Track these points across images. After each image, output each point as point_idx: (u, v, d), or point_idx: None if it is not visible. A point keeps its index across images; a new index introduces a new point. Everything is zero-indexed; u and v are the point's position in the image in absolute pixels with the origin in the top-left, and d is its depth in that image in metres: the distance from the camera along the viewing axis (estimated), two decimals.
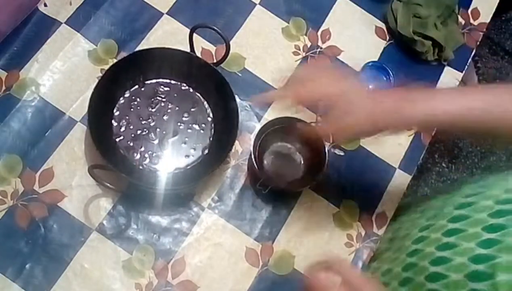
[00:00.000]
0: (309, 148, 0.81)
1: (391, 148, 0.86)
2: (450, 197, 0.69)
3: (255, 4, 0.91)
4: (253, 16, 0.90)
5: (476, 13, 1.00)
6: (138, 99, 0.81)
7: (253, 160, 0.75)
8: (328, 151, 0.77)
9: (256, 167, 0.75)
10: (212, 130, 0.82)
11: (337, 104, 0.60)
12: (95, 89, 0.75)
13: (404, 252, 0.68)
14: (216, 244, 0.77)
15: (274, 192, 0.78)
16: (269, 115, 0.85)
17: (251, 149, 0.76)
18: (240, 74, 0.86)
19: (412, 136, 0.88)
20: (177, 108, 0.81)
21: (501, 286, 0.50)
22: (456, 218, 0.62)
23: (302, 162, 0.82)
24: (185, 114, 0.81)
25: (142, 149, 0.78)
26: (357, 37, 0.93)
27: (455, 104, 0.61)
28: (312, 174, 0.78)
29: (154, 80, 0.82)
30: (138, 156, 0.78)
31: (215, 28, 0.75)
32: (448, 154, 1.83)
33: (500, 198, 0.59)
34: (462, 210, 0.63)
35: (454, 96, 0.62)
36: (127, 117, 0.79)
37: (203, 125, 0.82)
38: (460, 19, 0.98)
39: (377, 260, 0.78)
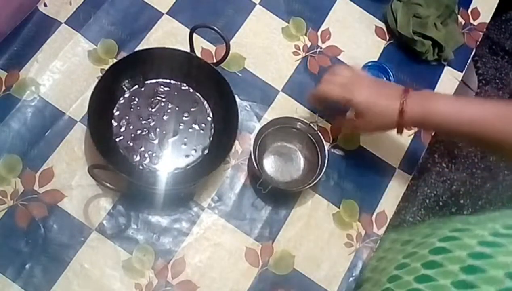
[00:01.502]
0: (309, 147, 0.81)
1: (391, 148, 0.86)
2: (430, 234, 0.67)
3: (255, 4, 0.91)
4: (253, 16, 0.90)
5: (476, 13, 1.00)
6: (138, 99, 0.81)
7: (253, 160, 0.75)
8: (328, 150, 0.77)
9: (256, 167, 0.75)
10: (212, 130, 0.82)
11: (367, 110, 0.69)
12: (95, 89, 0.75)
13: (379, 289, 0.66)
14: (216, 244, 0.77)
15: (274, 192, 0.78)
16: (269, 115, 0.85)
17: (251, 148, 0.76)
18: (240, 74, 0.86)
19: (412, 137, 0.88)
20: (177, 108, 0.81)
21: None
22: (430, 264, 0.59)
23: (303, 162, 0.82)
24: (185, 114, 0.81)
25: (142, 149, 0.78)
26: (357, 37, 0.93)
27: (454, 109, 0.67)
28: (312, 173, 0.78)
29: (154, 80, 0.82)
30: (138, 156, 0.78)
31: (215, 28, 0.75)
32: (448, 154, 1.83)
33: (472, 251, 0.56)
34: (436, 256, 0.60)
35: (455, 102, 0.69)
36: (127, 117, 0.79)
37: (203, 125, 0.82)
38: (460, 19, 0.98)
39: (360, 289, 0.76)
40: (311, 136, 0.80)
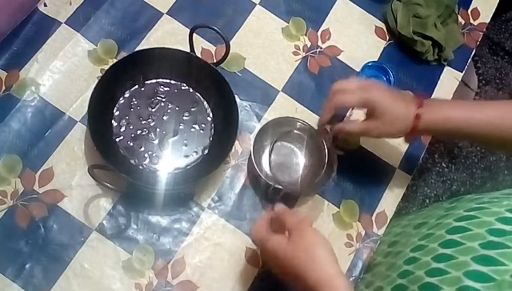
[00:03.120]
0: (310, 148, 0.81)
1: (391, 148, 0.86)
2: (444, 215, 0.69)
3: (255, 4, 0.91)
4: (253, 16, 0.90)
5: (476, 13, 1.00)
6: (138, 99, 0.81)
7: (253, 160, 0.75)
8: (328, 151, 0.77)
9: (256, 168, 0.75)
10: (212, 130, 0.82)
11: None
12: (95, 89, 0.75)
13: (396, 272, 0.67)
14: (216, 244, 0.77)
15: (283, 195, 0.77)
16: (269, 115, 0.85)
17: (251, 149, 0.76)
18: (240, 74, 0.86)
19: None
20: (177, 108, 0.81)
21: None
22: (448, 243, 0.61)
23: (303, 162, 0.82)
24: (185, 114, 0.81)
25: (142, 149, 0.78)
26: (357, 37, 0.93)
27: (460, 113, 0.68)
28: (314, 174, 0.77)
29: (154, 80, 0.82)
30: (138, 156, 0.78)
31: (215, 28, 0.75)
32: (448, 154, 1.83)
33: (492, 227, 0.58)
34: (454, 235, 0.62)
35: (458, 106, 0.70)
36: (127, 117, 0.79)
37: (203, 125, 0.82)
38: (460, 19, 0.98)
39: (371, 272, 0.77)
40: (311, 137, 0.80)
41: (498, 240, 0.55)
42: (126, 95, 0.80)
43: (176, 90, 0.83)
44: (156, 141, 0.79)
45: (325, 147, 0.77)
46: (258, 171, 0.75)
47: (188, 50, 0.80)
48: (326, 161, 0.77)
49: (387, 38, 0.94)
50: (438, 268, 0.59)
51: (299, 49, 0.90)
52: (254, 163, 0.75)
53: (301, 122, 0.80)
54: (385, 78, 0.90)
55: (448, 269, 0.57)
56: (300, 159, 0.82)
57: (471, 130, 0.68)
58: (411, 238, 0.70)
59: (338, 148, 0.84)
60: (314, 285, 0.56)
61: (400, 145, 0.87)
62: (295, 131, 0.81)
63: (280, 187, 0.77)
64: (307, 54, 0.90)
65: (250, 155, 0.76)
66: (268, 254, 0.62)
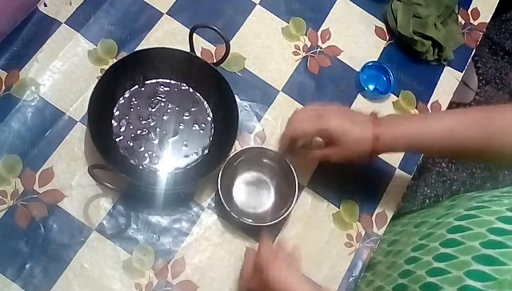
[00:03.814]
0: (280, 178, 0.79)
1: None
2: (444, 214, 0.69)
3: (255, 4, 0.91)
4: (253, 16, 0.90)
5: (476, 13, 1.00)
6: (138, 99, 0.81)
7: (220, 195, 0.74)
8: (298, 183, 0.76)
9: (224, 203, 0.74)
10: (212, 130, 0.82)
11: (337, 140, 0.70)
12: (95, 89, 0.75)
13: (396, 271, 0.67)
14: (216, 244, 0.77)
15: (243, 226, 0.76)
16: (269, 115, 0.85)
17: (218, 182, 0.74)
18: (240, 74, 0.86)
19: None
20: (177, 108, 0.81)
21: None
22: (449, 243, 0.61)
23: (273, 193, 0.80)
24: (185, 114, 0.81)
25: (142, 149, 0.78)
26: (357, 37, 0.93)
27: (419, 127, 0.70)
28: (283, 205, 0.77)
29: (154, 80, 0.82)
30: (138, 156, 0.78)
31: (215, 28, 0.75)
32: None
33: (492, 226, 0.58)
34: (455, 234, 0.61)
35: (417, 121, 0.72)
36: (127, 117, 0.79)
37: (203, 125, 0.82)
38: (460, 19, 0.98)
39: (371, 271, 0.77)
40: (281, 166, 0.79)
41: (498, 239, 0.55)
42: (126, 95, 0.80)
43: (176, 90, 0.83)
44: (156, 141, 0.79)
45: (295, 174, 0.76)
46: (226, 206, 0.74)
47: (188, 50, 0.80)
48: (297, 188, 0.76)
49: (387, 38, 0.94)
50: (439, 268, 0.59)
51: (299, 49, 0.90)
52: (221, 198, 0.74)
53: (272, 152, 0.79)
54: (384, 78, 0.90)
55: (449, 269, 0.58)
56: (271, 189, 0.80)
57: (429, 142, 0.69)
58: (411, 237, 0.70)
59: None
60: None
61: None
62: (265, 161, 0.80)
63: (249, 221, 0.75)
64: (307, 54, 0.90)
65: (218, 189, 0.74)
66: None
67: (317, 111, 0.72)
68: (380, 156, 0.85)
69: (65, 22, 0.84)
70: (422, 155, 0.88)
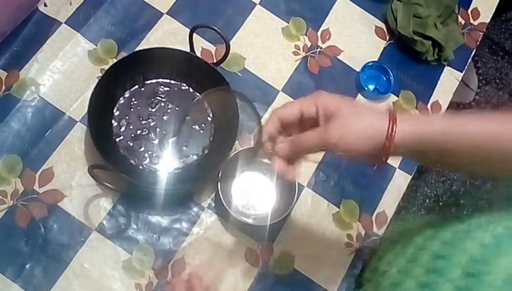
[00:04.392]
0: (279, 178, 0.79)
1: None
2: (430, 238, 0.62)
3: (255, 4, 0.91)
4: (253, 16, 0.90)
5: (476, 13, 1.00)
6: (138, 99, 0.81)
7: (220, 195, 0.74)
8: (298, 183, 0.76)
9: (224, 203, 0.74)
10: (212, 130, 0.82)
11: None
12: (95, 89, 0.75)
13: None
14: (216, 244, 0.77)
15: (245, 226, 0.76)
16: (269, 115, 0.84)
17: (218, 183, 0.74)
18: (240, 74, 0.86)
19: None
20: (177, 108, 0.81)
21: None
22: (430, 270, 0.56)
23: (275, 193, 0.80)
24: (185, 114, 0.81)
25: (142, 149, 0.78)
26: (357, 37, 0.93)
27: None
28: (285, 204, 0.77)
29: (154, 80, 0.82)
30: (138, 156, 0.78)
31: (215, 28, 0.75)
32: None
33: (466, 270, 0.52)
34: (435, 262, 0.56)
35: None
36: (127, 117, 0.79)
37: (203, 125, 0.82)
38: (460, 19, 0.98)
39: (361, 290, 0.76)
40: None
41: (478, 269, 0.52)
42: (126, 95, 0.80)
43: (176, 90, 0.83)
44: (156, 141, 0.79)
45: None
46: (226, 206, 0.74)
47: (188, 50, 0.80)
48: (296, 188, 0.75)
49: (387, 38, 0.94)
50: None
51: (299, 49, 0.90)
52: (221, 199, 0.74)
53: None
54: (384, 78, 0.90)
55: None
56: (270, 189, 0.80)
57: (457, 145, 0.54)
58: (398, 257, 0.65)
59: None
60: None
61: None
62: (265, 160, 0.79)
63: (249, 221, 0.75)
64: (307, 54, 0.90)
65: (218, 190, 0.74)
66: None
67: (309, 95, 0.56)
68: None
69: (65, 22, 0.84)
70: None
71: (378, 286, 0.67)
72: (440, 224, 0.68)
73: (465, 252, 0.56)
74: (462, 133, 0.53)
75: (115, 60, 0.82)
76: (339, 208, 0.82)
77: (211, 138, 0.81)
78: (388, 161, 0.86)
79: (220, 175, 0.75)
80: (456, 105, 1.86)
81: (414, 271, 0.61)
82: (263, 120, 0.64)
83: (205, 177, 0.75)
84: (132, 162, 0.77)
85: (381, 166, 0.55)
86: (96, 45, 0.84)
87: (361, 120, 0.52)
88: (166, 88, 0.82)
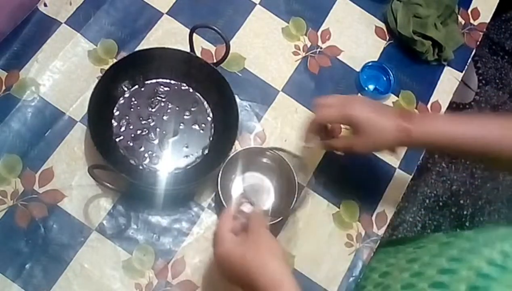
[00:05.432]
0: (280, 178, 0.79)
1: None
2: (437, 253, 0.67)
3: (255, 4, 0.91)
4: (253, 16, 0.90)
5: (476, 13, 1.00)
6: (138, 99, 0.81)
7: (220, 195, 0.74)
8: (298, 183, 0.76)
9: (224, 203, 0.73)
10: (212, 130, 0.82)
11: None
12: (95, 89, 0.75)
13: None
14: None
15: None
16: (269, 115, 0.85)
17: (218, 182, 0.74)
18: (240, 74, 0.86)
19: None
20: (177, 108, 0.81)
21: None
22: (436, 285, 0.59)
23: (273, 192, 0.80)
24: (185, 114, 0.81)
25: (142, 149, 0.78)
26: (357, 37, 0.93)
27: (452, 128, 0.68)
28: (285, 204, 0.77)
29: (154, 80, 0.82)
30: (138, 156, 0.78)
31: (215, 28, 0.75)
32: (448, 154, 1.83)
33: (480, 271, 0.56)
34: (443, 275, 0.60)
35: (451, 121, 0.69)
36: (127, 117, 0.79)
37: (203, 125, 0.82)
38: (460, 19, 0.98)
39: None
40: (280, 166, 0.78)
41: (483, 284, 0.54)
42: (126, 95, 0.80)
43: (176, 90, 0.83)
44: (156, 141, 0.79)
45: (295, 175, 0.76)
46: (226, 206, 0.73)
47: (188, 50, 0.81)
48: (297, 188, 0.76)
49: (387, 38, 0.94)
50: None
51: (299, 49, 0.90)
52: (221, 198, 0.74)
53: (271, 152, 0.79)
54: (384, 78, 0.90)
55: None
56: (270, 189, 0.80)
57: (460, 144, 0.67)
58: (402, 272, 0.68)
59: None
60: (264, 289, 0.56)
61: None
62: (265, 161, 0.80)
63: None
64: (307, 54, 0.90)
65: (217, 190, 0.74)
66: (223, 255, 0.61)
67: (343, 98, 0.72)
68: (380, 155, 0.85)
69: (65, 22, 0.84)
70: (422, 155, 0.88)
71: None
72: (446, 239, 0.69)
73: (471, 268, 0.57)
74: (463, 138, 0.66)
75: (115, 60, 0.82)
76: (339, 208, 0.82)
77: (211, 138, 0.81)
78: (388, 161, 0.87)
79: (220, 175, 0.75)
80: (456, 105, 1.86)
81: (418, 286, 0.61)
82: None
83: (205, 177, 0.75)
84: (132, 162, 0.77)
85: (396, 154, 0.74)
86: (96, 45, 0.84)
87: (384, 136, 0.68)
88: (166, 88, 0.82)
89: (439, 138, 0.67)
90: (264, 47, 0.89)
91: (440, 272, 0.61)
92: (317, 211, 0.81)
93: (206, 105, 0.83)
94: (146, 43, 0.85)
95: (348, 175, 0.83)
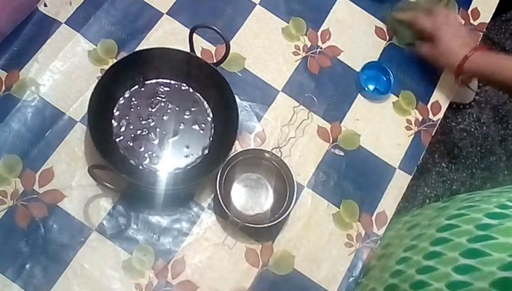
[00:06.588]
0: (278, 178, 0.79)
1: (391, 148, 0.86)
2: (436, 216, 0.69)
3: (255, 4, 0.91)
4: (253, 16, 0.90)
5: (476, 13, 1.00)
6: (138, 99, 0.81)
7: (219, 198, 0.74)
8: (297, 182, 0.76)
9: (224, 206, 0.74)
10: (212, 130, 0.82)
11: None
12: (95, 89, 0.75)
13: (388, 272, 0.68)
14: (216, 244, 0.77)
15: (244, 228, 0.76)
16: (269, 115, 0.85)
17: (216, 184, 0.74)
18: (240, 74, 0.86)
19: (412, 137, 0.88)
20: (177, 108, 0.81)
21: None
22: (438, 241, 0.62)
23: (272, 193, 0.80)
24: (185, 114, 0.81)
25: (142, 149, 0.78)
26: (357, 37, 0.93)
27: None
28: (281, 205, 0.77)
29: (154, 80, 0.82)
30: (138, 156, 0.78)
31: (215, 28, 0.75)
32: (448, 154, 1.83)
33: (479, 222, 0.59)
34: (444, 232, 0.62)
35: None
36: (127, 117, 0.79)
37: (203, 125, 0.82)
38: (460, 19, 0.98)
39: (366, 276, 0.77)
40: (279, 168, 0.79)
41: (484, 233, 0.56)
42: (126, 95, 0.80)
43: (176, 90, 0.83)
44: (156, 142, 0.79)
45: (293, 177, 0.77)
46: (225, 207, 0.74)
47: (188, 50, 0.80)
48: (295, 188, 0.76)
49: (387, 38, 0.94)
50: (428, 266, 0.60)
51: (299, 49, 0.90)
52: (220, 200, 0.74)
53: (269, 154, 0.79)
54: (384, 78, 0.90)
55: (438, 266, 0.58)
56: (269, 190, 0.80)
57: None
58: (404, 239, 0.71)
59: (338, 148, 0.84)
60: None
61: (400, 145, 0.87)
62: (264, 162, 0.80)
63: (249, 221, 0.75)
64: (307, 54, 0.90)
65: (217, 190, 0.74)
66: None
67: (440, 18, 0.86)
68: (379, 155, 0.85)
69: (65, 22, 0.84)
70: (422, 155, 0.88)
71: (385, 267, 0.68)
72: (443, 204, 0.71)
73: (471, 221, 0.59)
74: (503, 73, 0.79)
75: (115, 60, 0.82)
76: (339, 208, 0.82)
77: (211, 139, 0.81)
78: (388, 161, 0.87)
79: (219, 175, 0.75)
80: (456, 105, 1.86)
81: (420, 246, 0.63)
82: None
83: (205, 177, 0.75)
84: (132, 162, 0.77)
85: (459, 76, 0.87)
86: (96, 45, 0.84)
87: (456, 47, 0.84)
88: (166, 88, 0.82)
89: (488, 70, 0.81)
90: (264, 47, 0.89)
91: (440, 230, 0.63)
92: (317, 211, 0.81)
93: (206, 105, 0.83)
94: (146, 43, 0.85)
95: (348, 175, 0.83)
